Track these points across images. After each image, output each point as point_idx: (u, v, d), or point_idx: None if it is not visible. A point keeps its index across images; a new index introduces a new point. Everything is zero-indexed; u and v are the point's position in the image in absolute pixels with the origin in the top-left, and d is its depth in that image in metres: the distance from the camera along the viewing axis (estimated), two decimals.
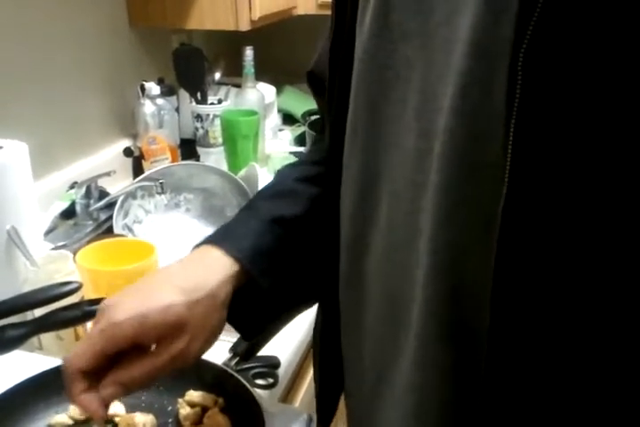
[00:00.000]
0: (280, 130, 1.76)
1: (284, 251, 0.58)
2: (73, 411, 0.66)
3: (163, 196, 1.24)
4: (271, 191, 0.65)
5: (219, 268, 0.54)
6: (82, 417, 0.66)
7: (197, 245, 0.57)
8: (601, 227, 0.37)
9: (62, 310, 0.67)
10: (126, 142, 1.45)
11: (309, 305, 0.66)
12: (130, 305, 0.50)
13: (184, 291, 0.51)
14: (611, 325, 0.39)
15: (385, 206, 0.49)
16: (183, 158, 1.48)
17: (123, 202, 1.21)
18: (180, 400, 0.68)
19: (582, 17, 0.34)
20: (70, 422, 0.66)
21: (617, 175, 0.36)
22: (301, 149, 1.64)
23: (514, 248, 0.38)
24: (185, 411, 0.67)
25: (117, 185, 1.30)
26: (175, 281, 0.52)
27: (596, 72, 0.34)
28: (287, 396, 0.90)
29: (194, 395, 0.68)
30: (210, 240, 0.56)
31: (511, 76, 0.36)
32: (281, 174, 0.69)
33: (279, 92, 1.78)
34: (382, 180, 0.49)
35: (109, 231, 1.17)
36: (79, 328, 0.81)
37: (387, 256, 0.50)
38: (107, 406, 0.50)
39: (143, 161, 1.38)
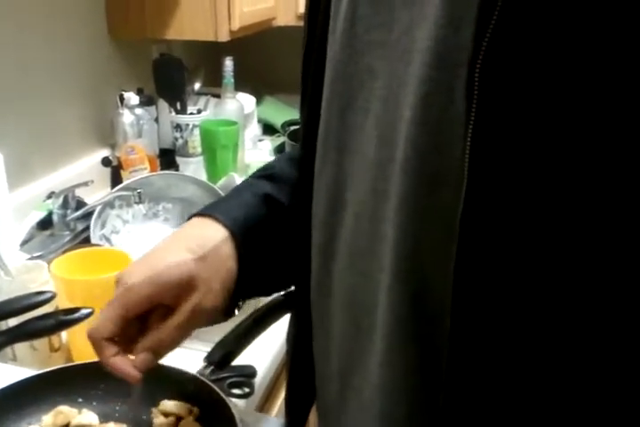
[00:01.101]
0: (260, 140, 1.77)
1: (268, 228, 0.60)
2: (46, 422, 0.66)
3: (141, 205, 1.24)
4: (267, 172, 0.67)
5: (216, 230, 0.56)
6: None
7: (190, 217, 0.59)
8: (557, 236, 0.38)
9: (37, 320, 0.66)
10: (105, 152, 1.45)
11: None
12: (141, 270, 0.53)
13: (190, 249, 0.53)
14: (565, 328, 0.39)
15: (350, 214, 0.50)
16: (162, 168, 1.48)
17: (100, 212, 1.21)
18: (154, 410, 0.68)
19: (540, 26, 0.34)
20: None
21: (573, 184, 0.36)
22: None
23: (472, 256, 0.39)
24: (159, 420, 0.67)
25: (95, 195, 1.30)
26: (180, 243, 0.55)
27: (552, 81, 0.35)
28: (264, 405, 0.90)
29: (168, 404, 0.67)
30: (202, 211, 0.59)
31: (469, 85, 0.37)
32: (279, 159, 0.71)
33: (259, 102, 1.79)
34: (348, 188, 0.49)
35: (87, 241, 1.16)
36: (54, 338, 0.80)
37: (351, 263, 0.50)
38: (142, 372, 0.52)
39: (122, 171, 1.37)
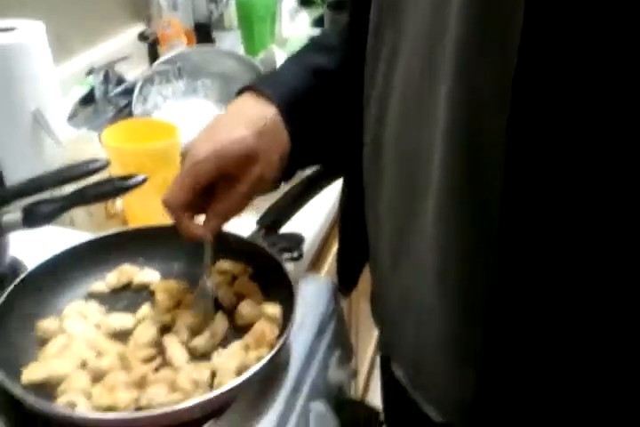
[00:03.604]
0: (297, 11, 1.70)
1: (317, 100, 0.61)
2: (111, 279, 0.70)
3: (180, 81, 1.23)
4: (315, 44, 0.67)
5: (267, 106, 0.60)
6: (119, 285, 0.70)
7: (240, 91, 0.62)
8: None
9: (93, 186, 0.68)
10: (140, 27, 1.42)
11: (331, 170, 0.68)
12: (207, 145, 0.57)
13: (248, 124, 0.58)
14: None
15: (403, 67, 0.49)
16: (198, 43, 1.44)
17: (141, 88, 1.20)
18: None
19: None
20: (108, 289, 0.70)
21: None
22: (319, 31, 1.58)
23: (526, 108, 0.39)
24: (215, 279, 0.70)
25: (134, 71, 1.29)
26: (238, 119, 0.59)
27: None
28: (312, 268, 0.94)
29: (224, 263, 0.71)
30: (252, 85, 0.62)
31: None
32: (328, 31, 0.71)
33: None
34: (403, 44, 0.48)
35: (129, 117, 1.17)
36: (110, 205, 0.83)
37: (405, 118, 0.50)
38: (213, 234, 0.60)
39: (158, 46, 1.35)
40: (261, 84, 0.62)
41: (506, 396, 0.51)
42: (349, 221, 0.68)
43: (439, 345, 0.54)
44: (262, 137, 0.58)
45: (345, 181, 0.69)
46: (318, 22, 1.62)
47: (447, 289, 0.51)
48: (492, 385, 0.52)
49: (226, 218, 0.61)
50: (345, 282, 0.73)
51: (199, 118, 1.28)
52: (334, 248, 1.03)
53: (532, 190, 0.42)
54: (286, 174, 0.64)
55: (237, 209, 0.60)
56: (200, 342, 0.61)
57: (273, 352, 0.56)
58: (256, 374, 0.54)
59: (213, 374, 0.57)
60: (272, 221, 0.76)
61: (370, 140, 0.57)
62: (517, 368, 0.50)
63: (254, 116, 0.59)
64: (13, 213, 0.68)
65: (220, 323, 0.64)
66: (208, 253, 0.63)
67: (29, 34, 0.81)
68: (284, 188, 0.76)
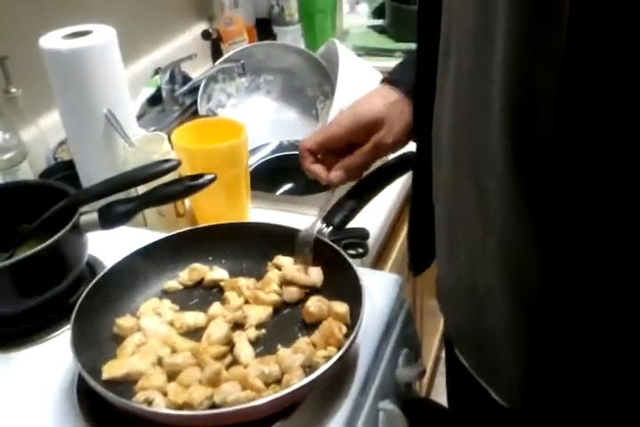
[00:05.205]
0: (357, 3, 1.69)
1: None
2: (183, 277, 0.72)
3: (243, 78, 1.24)
4: None
5: (395, 90, 0.72)
6: (190, 283, 0.72)
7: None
8: None
9: (165, 186, 0.71)
10: (204, 25, 1.44)
11: None
12: (347, 113, 0.72)
13: (381, 97, 0.71)
14: None
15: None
16: (260, 39, 1.46)
17: (205, 86, 1.23)
18: (269, 264, 0.72)
19: None
20: (181, 286, 0.72)
21: None
22: (380, 22, 1.57)
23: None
24: (273, 274, 0.71)
25: (198, 69, 1.31)
26: (376, 93, 0.72)
27: None
28: (376, 264, 0.94)
29: (282, 258, 0.72)
30: (387, 79, 0.74)
31: None
32: None
33: None
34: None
35: (195, 115, 1.20)
36: (179, 204, 0.86)
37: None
38: (334, 185, 0.72)
39: (221, 43, 1.37)
40: (391, 79, 0.74)
41: (556, 379, 0.52)
42: (420, 201, 0.69)
43: (500, 328, 0.54)
44: (392, 107, 0.70)
45: (413, 172, 0.71)
46: (378, 13, 1.61)
47: (506, 275, 0.51)
48: (543, 369, 0.52)
49: (348, 174, 0.71)
50: (416, 263, 0.73)
51: (261, 115, 1.30)
52: (398, 244, 1.03)
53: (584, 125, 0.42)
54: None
55: (360, 165, 0.71)
56: (292, 290, 0.68)
57: (341, 352, 0.57)
58: (325, 373, 0.55)
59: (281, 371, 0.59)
60: (340, 218, 0.76)
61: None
62: (567, 355, 0.51)
63: (386, 93, 0.72)
64: (90, 214, 0.71)
65: (315, 277, 0.69)
66: (328, 198, 0.73)
67: (103, 37, 0.83)
68: (349, 185, 0.77)
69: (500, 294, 0.52)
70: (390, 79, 0.74)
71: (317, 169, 0.71)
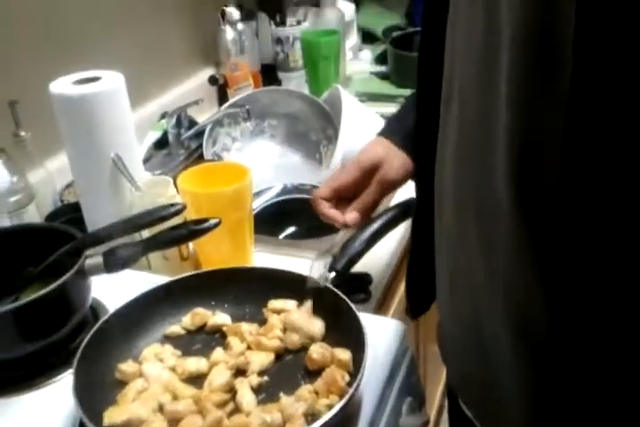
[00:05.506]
0: (360, 49, 1.73)
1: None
2: (185, 322, 0.72)
3: (248, 123, 1.26)
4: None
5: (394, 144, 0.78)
6: (192, 328, 0.72)
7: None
8: None
9: (170, 230, 0.71)
10: (210, 71, 1.47)
11: None
12: (352, 160, 0.78)
13: (379, 145, 0.77)
14: None
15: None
16: (264, 85, 1.49)
17: (211, 130, 1.25)
18: (264, 310, 0.72)
19: None
20: (183, 331, 0.72)
21: None
22: (383, 68, 1.60)
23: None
24: (273, 319, 0.70)
25: (204, 114, 1.33)
26: (376, 143, 0.78)
27: None
28: (379, 309, 0.94)
29: (275, 302, 0.72)
30: (382, 132, 0.81)
31: None
32: None
33: (358, 8, 1.73)
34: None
35: (200, 159, 1.22)
36: (183, 248, 0.86)
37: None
38: (349, 225, 0.75)
39: (227, 89, 1.40)
40: (386, 132, 0.80)
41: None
42: (419, 245, 0.69)
43: (505, 373, 0.54)
44: (389, 151, 0.76)
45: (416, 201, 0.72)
46: (381, 59, 1.65)
47: (511, 318, 0.51)
48: (550, 417, 0.52)
49: (362, 214, 0.75)
50: (414, 307, 0.73)
51: (265, 159, 1.32)
52: (401, 289, 1.03)
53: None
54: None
55: (371, 205, 0.76)
56: (294, 337, 0.68)
57: (344, 402, 0.56)
58: (327, 422, 0.54)
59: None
60: (344, 264, 0.77)
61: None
62: (576, 401, 0.50)
63: (385, 142, 0.78)
64: (95, 257, 0.71)
65: (318, 325, 0.69)
66: (340, 237, 0.77)
67: (112, 84, 0.85)
68: (351, 231, 0.78)
69: (505, 337, 0.52)
70: (384, 132, 0.80)
71: (333, 213, 0.75)
